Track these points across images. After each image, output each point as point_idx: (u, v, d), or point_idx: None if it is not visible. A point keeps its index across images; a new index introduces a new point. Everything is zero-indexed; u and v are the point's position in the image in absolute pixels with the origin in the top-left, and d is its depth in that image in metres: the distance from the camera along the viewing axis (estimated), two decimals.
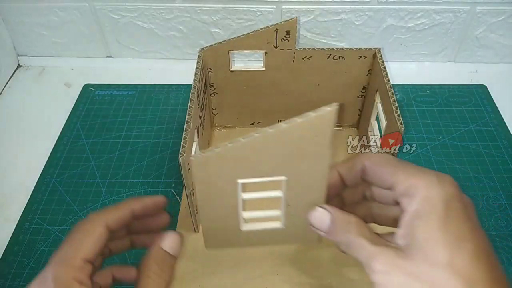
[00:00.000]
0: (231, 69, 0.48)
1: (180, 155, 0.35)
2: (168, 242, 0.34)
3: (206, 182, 0.33)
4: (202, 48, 0.46)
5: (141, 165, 0.52)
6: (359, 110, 0.53)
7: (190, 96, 0.40)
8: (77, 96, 0.61)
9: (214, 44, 0.46)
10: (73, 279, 0.28)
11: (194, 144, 0.39)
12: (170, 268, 0.34)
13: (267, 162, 0.32)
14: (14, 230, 0.46)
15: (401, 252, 0.28)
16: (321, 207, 0.34)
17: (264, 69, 0.48)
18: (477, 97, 0.60)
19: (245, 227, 0.38)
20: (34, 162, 0.53)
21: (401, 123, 0.39)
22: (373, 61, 0.47)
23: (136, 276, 0.33)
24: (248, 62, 0.50)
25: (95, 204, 0.48)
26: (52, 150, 0.54)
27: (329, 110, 0.28)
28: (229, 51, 0.46)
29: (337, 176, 0.35)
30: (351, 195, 0.37)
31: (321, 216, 0.34)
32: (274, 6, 0.59)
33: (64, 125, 0.57)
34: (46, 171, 0.52)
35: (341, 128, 0.55)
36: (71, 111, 0.59)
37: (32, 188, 0.50)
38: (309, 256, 0.42)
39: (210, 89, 0.50)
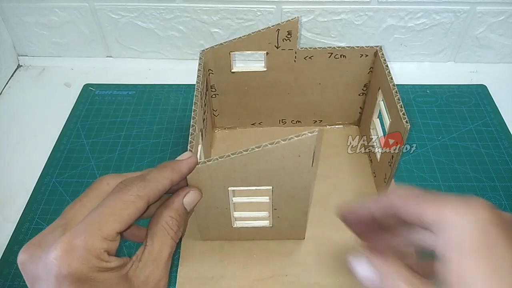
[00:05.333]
0: (232, 70, 0.48)
1: None
2: (188, 198, 0.34)
3: (200, 187, 0.36)
4: (203, 50, 0.46)
5: (141, 165, 0.52)
6: (360, 108, 0.53)
7: (194, 99, 0.40)
8: (77, 96, 0.61)
9: (215, 45, 0.46)
10: (105, 251, 0.28)
11: (199, 147, 0.39)
12: (185, 223, 0.34)
13: (254, 174, 0.35)
14: (14, 230, 0.46)
15: None
16: (366, 260, 0.29)
17: (265, 69, 0.48)
18: (477, 97, 0.60)
19: (236, 224, 0.42)
20: (34, 162, 0.53)
21: (406, 122, 0.38)
22: (374, 59, 0.47)
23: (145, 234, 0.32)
24: (249, 62, 0.50)
25: None
26: (52, 150, 0.54)
27: (311, 135, 0.31)
28: (230, 52, 0.46)
29: (368, 214, 0.31)
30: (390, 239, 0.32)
31: (368, 274, 0.29)
32: (274, 6, 0.59)
33: (64, 125, 0.57)
34: (46, 171, 0.52)
35: (342, 126, 0.55)
36: (71, 111, 0.59)
37: (32, 188, 0.50)
38: (318, 256, 0.42)
39: (211, 91, 0.50)
